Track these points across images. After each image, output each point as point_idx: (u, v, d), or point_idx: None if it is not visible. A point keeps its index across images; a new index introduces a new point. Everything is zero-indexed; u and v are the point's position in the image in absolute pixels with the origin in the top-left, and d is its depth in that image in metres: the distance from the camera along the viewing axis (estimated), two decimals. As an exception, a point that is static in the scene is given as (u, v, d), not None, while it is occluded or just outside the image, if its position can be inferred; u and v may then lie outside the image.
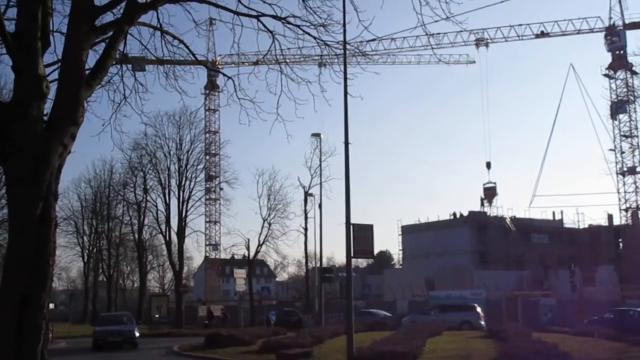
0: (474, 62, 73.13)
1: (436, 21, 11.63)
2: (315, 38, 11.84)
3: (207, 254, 79.76)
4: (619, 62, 73.03)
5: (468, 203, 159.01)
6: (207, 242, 78.61)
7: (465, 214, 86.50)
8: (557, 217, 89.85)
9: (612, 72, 74.34)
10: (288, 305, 69.11)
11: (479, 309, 42.72)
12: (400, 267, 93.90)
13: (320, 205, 45.84)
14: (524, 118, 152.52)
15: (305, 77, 12.23)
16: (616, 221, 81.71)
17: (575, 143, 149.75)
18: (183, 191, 63.89)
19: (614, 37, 72.64)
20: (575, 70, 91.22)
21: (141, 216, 71.16)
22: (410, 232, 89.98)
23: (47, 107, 8.91)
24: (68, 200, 75.66)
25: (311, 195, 59.55)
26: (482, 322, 40.66)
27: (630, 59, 67.25)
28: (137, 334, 33.45)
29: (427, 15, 11.38)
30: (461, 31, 66.07)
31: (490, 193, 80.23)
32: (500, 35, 72.93)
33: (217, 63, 73.42)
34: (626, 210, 75.14)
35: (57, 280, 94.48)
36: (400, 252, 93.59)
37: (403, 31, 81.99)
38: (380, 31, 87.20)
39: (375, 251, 26.73)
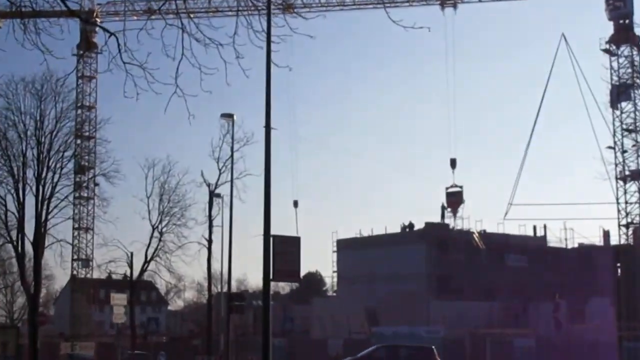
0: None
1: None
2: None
3: (75, 272, 78.77)
4: (623, 34, 73.19)
5: (425, 212, 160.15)
6: (75, 256, 77.57)
7: (421, 225, 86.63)
8: (539, 232, 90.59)
9: (614, 47, 74.47)
10: (181, 342, 68.87)
11: None
12: (335, 294, 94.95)
13: (230, 209, 46.06)
14: (500, 103, 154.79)
15: (215, 38, 12.15)
16: (614, 240, 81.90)
17: (564, 138, 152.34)
18: (43, 186, 62.45)
19: (617, 1, 72.94)
20: (568, 42, 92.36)
21: (-17, 218, 70.17)
22: (348, 249, 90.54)
23: None
24: None
25: (218, 196, 60.19)
26: None
27: (637, 30, 67.88)
28: None
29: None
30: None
31: (454, 200, 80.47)
32: (471, -6, 73.50)
33: (94, 14, 72.22)
34: (627, 225, 75.13)
35: None
36: (335, 274, 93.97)
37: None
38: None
39: (303, 272, 27.22)
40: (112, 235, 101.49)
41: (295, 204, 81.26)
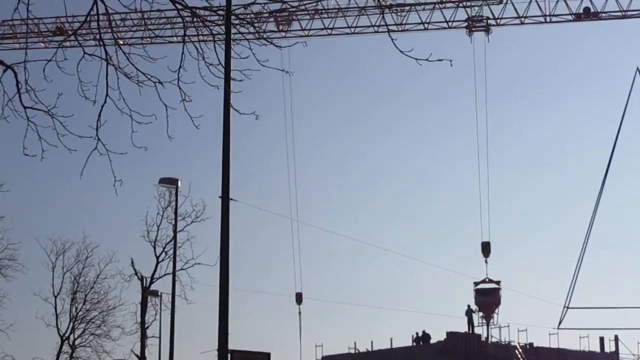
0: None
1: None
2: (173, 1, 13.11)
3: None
4: None
5: (445, 318, 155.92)
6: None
7: (441, 337, 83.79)
8: (609, 347, 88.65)
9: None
10: None
11: None
12: None
13: (172, 314, 48.06)
14: (550, 159, 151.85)
15: (151, 73, 13.28)
16: None
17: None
18: None
19: None
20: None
21: None
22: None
23: None
24: None
25: (155, 294, 61.97)
26: None
27: None
28: None
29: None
30: (441, 1, 66.40)
31: (488, 300, 76.45)
32: (510, 14, 68.02)
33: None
34: None
35: None
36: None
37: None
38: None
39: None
40: (3, 349, 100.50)
41: (299, 298, 76.22)
